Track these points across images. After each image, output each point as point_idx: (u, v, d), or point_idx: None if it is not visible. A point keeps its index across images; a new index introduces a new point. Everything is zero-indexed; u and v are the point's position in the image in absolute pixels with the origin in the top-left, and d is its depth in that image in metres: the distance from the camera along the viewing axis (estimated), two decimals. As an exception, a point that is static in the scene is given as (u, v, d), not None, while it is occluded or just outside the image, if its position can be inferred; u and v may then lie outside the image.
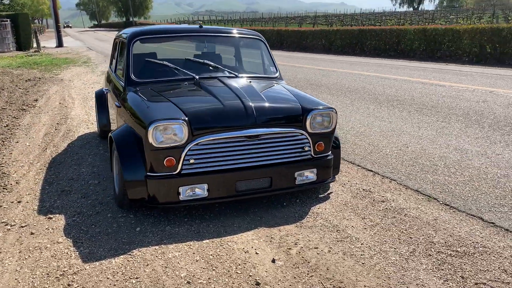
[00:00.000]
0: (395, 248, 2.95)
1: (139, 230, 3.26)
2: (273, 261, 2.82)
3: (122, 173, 3.30)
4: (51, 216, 3.55)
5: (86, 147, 5.50)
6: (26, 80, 12.09)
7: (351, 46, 21.73)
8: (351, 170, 4.48)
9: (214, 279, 2.63)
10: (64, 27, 63.30)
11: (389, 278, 2.62)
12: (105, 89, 4.86)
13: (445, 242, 3.00)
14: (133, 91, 3.84)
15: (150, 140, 3.15)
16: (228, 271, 2.72)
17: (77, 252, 2.96)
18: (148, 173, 3.27)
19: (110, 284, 2.59)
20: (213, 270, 2.73)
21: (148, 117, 3.22)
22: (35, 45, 26.19)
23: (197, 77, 4.00)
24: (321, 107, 3.61)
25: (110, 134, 3.63)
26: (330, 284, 2.57)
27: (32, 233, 3.27)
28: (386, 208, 3.56)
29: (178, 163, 3.24)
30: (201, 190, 3.32)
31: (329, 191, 3.94)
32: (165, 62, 4.13)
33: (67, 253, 2.97)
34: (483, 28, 15.60)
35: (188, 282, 2.59)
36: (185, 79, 4.01)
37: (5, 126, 6.68)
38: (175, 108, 3.35)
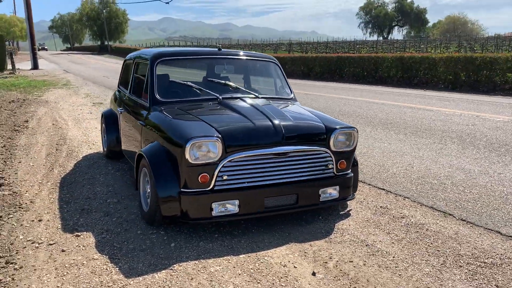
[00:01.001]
0: (426, 260, 3.09)
1: (173, 246, 3.29)
2: (314, 274, 2.90)
3: (155, 190, 3.35)
4: (78, 233, 3.54)
5: (95, 166, 5.48)
6: (9, 102, 11.91)
7: (330, 73, 22.30)
8: (364, 188, 4.63)
9: (262, 291, 2.69)
10: (39, 49, 62.41)
11: (429, 288, 2.74)
12: (120, 109, 4.90)
13: (472, 254, 3.16)
14: (159, 110, 3.91)
15: (187, 156, 3.22)
16: (273, 283, 2.78)
17: (117, 268, 2.97)
18: (182, 189, 3.33)
19: (160, 297, 2.61)
20: (258, 283, 2.79)
21: (184, 135, 3.29)
22: (9, 67, 25.74)
23: (220, 97, 4.11)
24: (343, 126, 3.77)
25: (139, 152, 3.67)
26: (375, 295, 2.67)
27: (63, 250, 3.26)
28: (407, 224, 3.71)
29: (212, 180, 3.32)
30: (232, 206, 3.39)
31: (348, 209, 4.07)
32: (188, 83, 4.23)
33: (106, 269, 2.97)
34: (457, 57, 16.36)
35: (237, 295, 2.65)
36: (208, 99, 4.12)
37: (2, 147, 6.57)
38: (207, 126, 3.44)
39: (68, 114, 9.92)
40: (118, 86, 5.72)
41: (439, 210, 3.98)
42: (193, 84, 4.21)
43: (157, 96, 4.03)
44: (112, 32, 75.79)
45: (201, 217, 3.35)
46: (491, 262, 3.05)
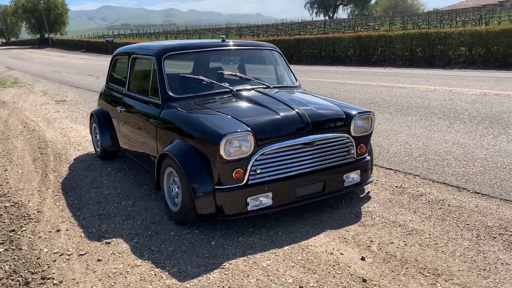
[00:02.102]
0: (460, 235, 3.23)
1: (214, 244, 3.25)
2: (363, 259, 2.97)
3: (189, 189, 3.28)
4: (108, 241, 3.42)
5: (91, 169, 5.27)
6: (-41, 106, 11.15)
7: (288, 55, 22.39)
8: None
9: (322, 281, 2.72)
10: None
11: (475, 261, 2.88)
12: (120, 108, 4.71)
13: (500, 225, 3.34)
14: (174, 107, 3.81)
15: (221, 153, 3.18)
16: (329, 272, 2.82)
17: (166, 272, 2.91)
18: (216, 186, 3.28)
19: (225, 298, 2.59)
20: (314, 273, 2.82)
21: (216, 131, 3.23)
22: None
23: (234, 89, 4.06)
24: (362, 111, 3.83)
25: (163, 152, 3.57)
26: (428, 273, 2.77)
27: (99, 260, 3.14)
28: (428, 201, 3.85)
29: (245, 174, 3.29)
30: (266, 199, 3.38)
31: (366, 191, 4.16)
32: (200, 77, 4.13)
33: (155, 274, 2.90)
34: (413, 34, 16.90)
35: (300, 287, 2.66)
36: (222, 92, 4.05)
37: (-21, 155, 6.17)
38: (235, 121, 3.40)
39: (35, 114, 9.42)
40: (108, 83, 5.49)
41: (452, 185, 4.16)
42: (205, 78, 4.12)
43: (170, 93, 3.92)
44: (52, 24, 72.06)
45: (237, 213, 3.33)
46: (521, 231, 3.24)
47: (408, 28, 30.66)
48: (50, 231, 3.68)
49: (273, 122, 3.45)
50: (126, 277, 2.89)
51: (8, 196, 4.54)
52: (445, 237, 3.21)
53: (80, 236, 3.56)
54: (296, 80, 4.65)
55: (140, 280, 2.85)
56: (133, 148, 4.54)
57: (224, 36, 4.49)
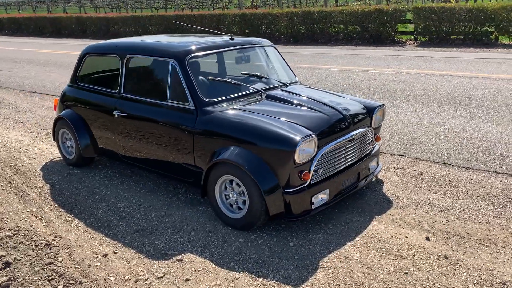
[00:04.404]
0: (481, 206, 3.88)
1: (293, 245, 3.39)
2: (427, 238, 3.42)
3: (259, 194, 3.34)
4: (177, 257, 3.31)
5: (74, 179, 4.78)
6: None
7: (170, 32, 21.83)
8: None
9: (416, 264, 3.10)
10: None
11: (509, 227, 3.54)
12: (117, 113, 4.33)
13: (502, 194, 4.08)
14: (212, 112, 3.73)
15: (296, 158, 3.30)
16: (413, 255, 3.21)
17: (273, 281, 2.99)
18: (284, 189, 3.39)
19: (353, 295, 2.80)
20: (403, 258, 3.18)
21: (289, 137, 3.31)
22: None
23: (261, 90, 4.10)
24: (378, 105, 4.23)
25: (218, 160, 3.50)
26: (486, 243, 3.33)
27: (187, 279, 3.07)
28: (432, 178, 4.46)
29: (309, 175, 3.47)
30: (325, 196, 3.61)
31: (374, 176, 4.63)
32: (227, 79, 4.05)
33: (263, 284, 2.96)
34: (297, 12, 17.89)
35: (406, 273, 3.01)
36: (250, 93, 4.06)
37: None
38: (293, 125, 3.51)
39: None
40: (78, 83, 4.96)
41: (437, 162, 4.85)
42: (232, 80, 4.06)
43: (203, 98, 3.80)
44: None
45: (304, 212, 3.49)
46: (520, 197, 4.02)
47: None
48: (96, 257, 3.39)
49: (327, 123, 3.65)
50: (237, 292, 2.90)
51: (4, 223, 3.94)
52: (471, 210, 3.83)
53: (139, 257, 3.36)
54: (295, 75, 4.82)
55: (254, 292, 2.89)
56: (145, 156, 4.27)
57: (232, 35, 4.43)
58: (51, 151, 5.70)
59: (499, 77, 8.50)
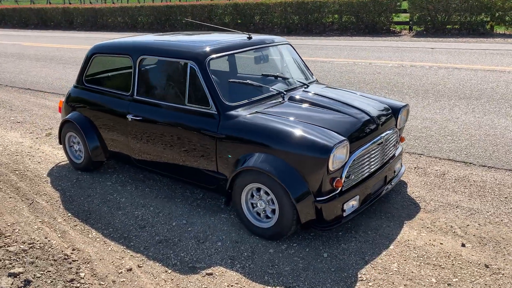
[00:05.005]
0: (511, 208, 3.80)
1: (327, 255, 3.26)
2: (463, 245, 3.32)
3: (290, 202, 3.20)
4: (207, 271, 3.16)
5: (85, 185, 4.59)
6: None
7: (160, 23, 21.49)
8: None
9: (458, 275, 2.99)
10: None
11: (544, 231, 3.46)
12: (131, 116, 4.13)
13: (529, 195, 4.01)
14: (236, 117, 3.56)
15: (330, 165, 3.16)
16: (452, 264, 3.11)
17: (312, 296, 2.86)
18: (316, 198, 3.25)
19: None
20: (443, 268, 3.07)
21: (322, 144, 3.17)
22: None
23: (283, 91, 3.94)
24: (402, 105, 4.10)
25: (249, 167, 3.34)
26: (524, 249, 3.26)
27: (222, 296, 2.92)
28: (455, 179, 4.36)
29: (341, 182, 3.33)
30: (355, 202, 3.49)
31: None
32: (249, 81, 3.88)
33: (303, 300, 2.83)
34: (290, 2, 17.64)
35: (449, 284, 2.90)
36: (273, 95, 3.90)
37: None
38: (324, 130, 3.36)
39: None
40: (85, 85, 4.74)
41: (458, 161, 4.76)
42: (253, 82, 3.89)
43: (225, 102, 3.63)
44: None
45: (335, 220, 3.36)
46: (548, 197, 3.95)
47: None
48: (120, 272, 3.23)
49: (356, 127, 3.51)
50: (275, 309, 2.77)
51: (11, 236, 3.75)
52: (502, 213, 3.74)
53: (166, 271, 3.21)
54: (312, 74, 4.66)
55: (294, 309, 2.76)
56: (161, 160, 4.09)
57: (249, 34, 4.24)
58: (56, 154, 5.48)
59: (505, 69, 8.45)
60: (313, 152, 3.18)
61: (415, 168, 4.67)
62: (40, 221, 3.96)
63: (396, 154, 4.05)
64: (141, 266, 3.28)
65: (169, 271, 3.20)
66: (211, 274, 3.14)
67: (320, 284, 2.97)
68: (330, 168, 3.17)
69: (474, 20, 14.35)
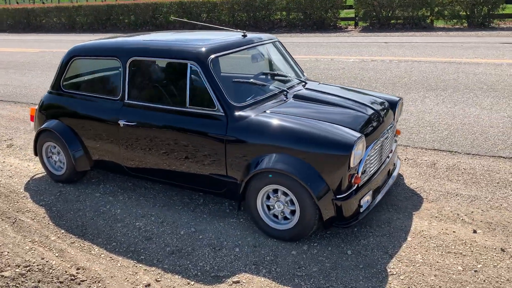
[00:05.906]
0: (506, 193, 3.98)
1: (351, 253, 3.24)
2: (474, 231, 3.43)
3: (314, 201, 3.14)
4: (233, 279, 3.04)
5: (70, 198, 4.26)
6: None
7: (101, 23, 20.64)
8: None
9: (481, 260, 3.08)
10: None
11: (543, 212, 3.66)
12: (124, 122, 3.88)
13: (518, 179, 4.23)
14: (245, 117, 3.44)
15: (351, 162, 3.14)
16: (471, 251, 3.19)
17: (349, 295, 2.83)
18: (336, 194, 3.23)
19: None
20: (464, 255, 3.15)
21: (342, 141, 3.14)
22: None
23: (286, 89, 3.87)
24: (398, 98, 4.18)
25: (266, 169, 3.24)
26: (530, 231, 3.42)
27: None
28: (447, 168, 4.52)
29: (359, 178, 3.33)
30: (369, 197, 3.50)
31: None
32: (253, 80, 3.76)
33: (341, 300, 2.79)
34: (238, 0, 17.55)
35: (475, 271, 2.98)
36: (276, 93, 3.82)
37: None
38: (338, 127, 3.34)
39: None
40: (63, 90, 4.40)
41: (443, 150, 4.93)
42: (257, 81, 3.78)
43: (232, 102, 3.50)
44: None
45: (353, 216, 3.35)
46: (536, 180, 4.18)
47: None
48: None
49: (365, 121, 3.52)
50: (315, 312, 2.70)
51: (0, 260, 3.40)
52: (499, 198, 3.91)
53: (188, 283, 3.04)
54: (302, 70, 4.62)
55: (334, 311, 2.71)
56: (159, 167, 3.87)
57: (244, 31, 4.12)
58: (27, 167, 5.06)
59: (461, 61, 8.89)
60: (335, 150, 3.14)
61: (406, 159, 4.78)
62: (30, 241, 3.63)
63: (394, 147, 4.12)
64: (159, 280, 3.09)
65: (192, 282, 3.04)
66: (238, 282, 3.01)
67: (353, 281, 2.94)
68: (351, 164, 3.15)
69: (415, 15, 15.03)
